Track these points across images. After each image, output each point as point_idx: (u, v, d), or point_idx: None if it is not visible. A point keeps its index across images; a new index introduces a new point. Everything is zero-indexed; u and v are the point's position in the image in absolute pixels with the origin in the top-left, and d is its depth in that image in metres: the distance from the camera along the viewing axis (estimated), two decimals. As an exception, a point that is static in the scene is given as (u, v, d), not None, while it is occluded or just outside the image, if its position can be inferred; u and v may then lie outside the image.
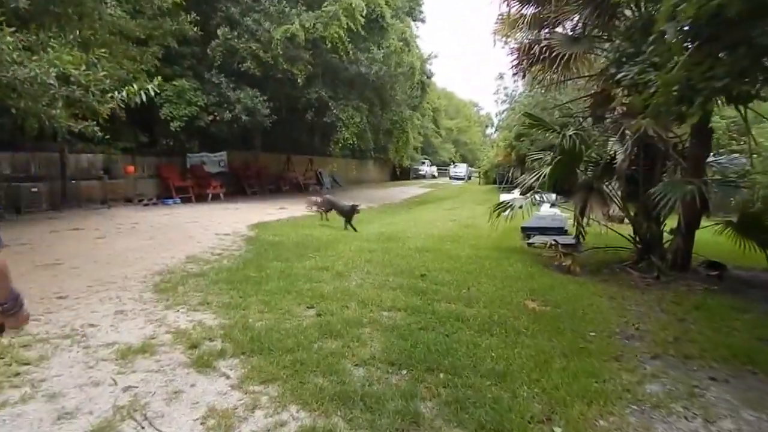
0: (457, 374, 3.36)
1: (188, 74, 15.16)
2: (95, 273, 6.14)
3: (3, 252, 1.64)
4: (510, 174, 28.61)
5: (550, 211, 12.70)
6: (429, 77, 32.05)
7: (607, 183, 7.39)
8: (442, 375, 3.35)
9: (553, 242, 7.53)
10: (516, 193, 17.92)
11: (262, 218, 12.07)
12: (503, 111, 29.64)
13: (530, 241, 9.21)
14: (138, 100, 5.44)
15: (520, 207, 7.72)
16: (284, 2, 15.69)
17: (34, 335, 3.94)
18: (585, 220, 7.24)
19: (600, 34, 8.35)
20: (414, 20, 28.70)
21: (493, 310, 4.89)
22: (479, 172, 45.12)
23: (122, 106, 5.72)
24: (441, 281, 6.09)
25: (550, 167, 6.86)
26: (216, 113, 15.14)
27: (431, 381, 3.27)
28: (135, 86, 5.40)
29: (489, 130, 77.51)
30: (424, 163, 51.10)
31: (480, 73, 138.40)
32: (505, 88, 28.62)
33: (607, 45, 8.38)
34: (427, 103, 38.87)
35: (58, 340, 3.85)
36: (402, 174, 44.00)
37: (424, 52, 30.59)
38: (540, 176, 6.94)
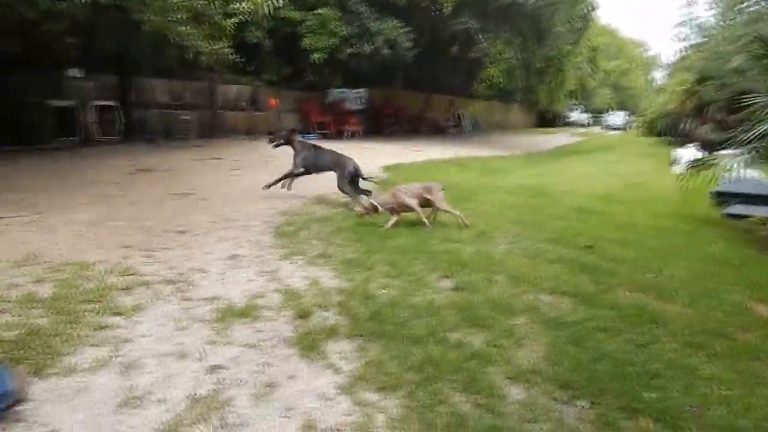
0: (675, 426, 2.16)
1: (332, 3, 14.48)
2: (221, 207, 5.82)
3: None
4: (686, 125, 24.25)
5: (748, 173, 10.00)
6: (593, 9, 27.88)
7: None
8: (652, 426, 2.17)
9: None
10: (692, 149, 14.85)
11: (397, 160, 11.27)
12: (685, 48, 24.70)
13: (730, 211, 7.15)
14: (265, 9, 4.71)
15: (729, 167, 5.80)
16: None
17: (141, 276, 3.53)
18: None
19: None
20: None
21: (701, 312, 3.48)
22: (641, 122, 39.54)
23: (245, 18, 5.05)
24: (615, 257, 4.71)
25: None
26: (357, 46, 14.38)
27: (633, 432, 2.12)
28: (261, -8, 4.67)
29: (657, 74, 67.64)
30: (574, 109, 46.19)
31: (651, 8, 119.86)
32: (693, 18, 23.35)
33: None
34: (588, 40, 34.17)
35: (161, 285, 3.39)
36: (549, 120, 40.25)
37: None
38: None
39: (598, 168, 14.16)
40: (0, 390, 1.93)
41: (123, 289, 3.26)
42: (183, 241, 4.43)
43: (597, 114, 51.38)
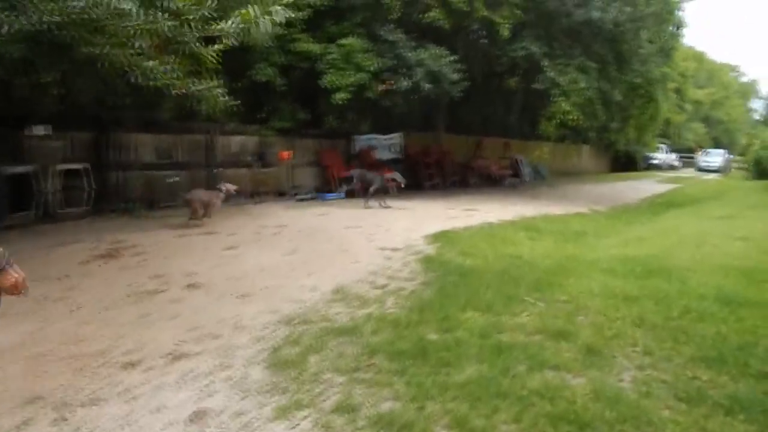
0: None
1: (360, 32, 14.02)
2: (199, 314, 4.81)
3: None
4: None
5: None
6: (679, 27, 27.02)
7: None
8: None
9: None
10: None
11: (444, 224, 10.18)
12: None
13: None
14: (257, 33, 3.87)
15: None
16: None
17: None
18: None
19: None
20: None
21: None
22: (747, 162, 37.55)
23: (233, 43, 4.22)
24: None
25: None
26: (391, 81, 13.74)
27: None
28: (255, 9, 3.82)
29: (756, 103, 65.83)
30: (659, 148, 44.52)
31: (743, 27, 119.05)
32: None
33: None
34: (670, 66, 32.99)
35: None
36: (628, 163, 38.73)
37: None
38: None
39: (712, 226, 12.71)
40: None
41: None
42: (126, 385, 3.38)
43: (687, 154, 49.48)
